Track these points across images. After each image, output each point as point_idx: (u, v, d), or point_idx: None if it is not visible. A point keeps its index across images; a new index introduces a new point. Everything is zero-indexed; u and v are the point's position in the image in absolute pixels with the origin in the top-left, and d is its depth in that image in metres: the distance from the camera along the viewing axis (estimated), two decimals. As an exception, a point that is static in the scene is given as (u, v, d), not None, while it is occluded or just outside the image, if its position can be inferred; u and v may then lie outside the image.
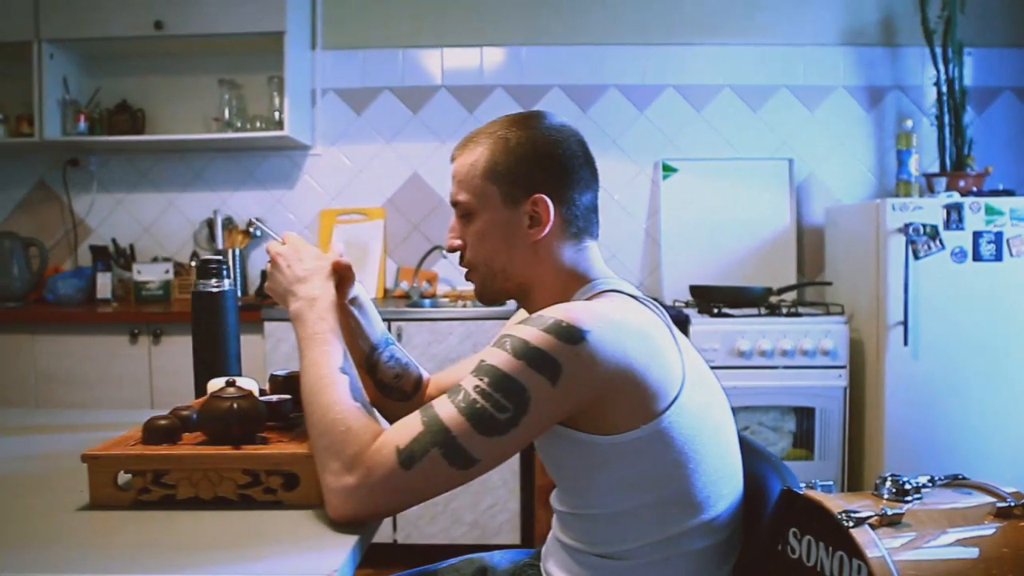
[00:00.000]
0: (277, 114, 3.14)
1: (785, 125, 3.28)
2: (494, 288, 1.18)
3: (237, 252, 3.22)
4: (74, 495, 1.11)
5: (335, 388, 1.02)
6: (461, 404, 0.97)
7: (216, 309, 1.56)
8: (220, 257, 1.59)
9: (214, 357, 1.56)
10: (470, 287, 3.24)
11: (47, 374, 2.83)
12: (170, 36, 2.98)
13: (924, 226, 2.65)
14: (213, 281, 1.57)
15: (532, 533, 2.75)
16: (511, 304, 2.84)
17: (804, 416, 2.74)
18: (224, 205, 3.32)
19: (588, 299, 1.11)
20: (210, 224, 3.27)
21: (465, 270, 1.21)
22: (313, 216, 3.33)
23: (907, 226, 2.64)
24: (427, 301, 3.07)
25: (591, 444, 1.04)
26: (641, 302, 1.11)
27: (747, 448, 1.22)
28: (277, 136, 3.06)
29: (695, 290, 2.97)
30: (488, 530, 2.74)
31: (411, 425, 0.98)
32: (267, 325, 2.73)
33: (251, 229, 3.30)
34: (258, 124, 3.17)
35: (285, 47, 2.98)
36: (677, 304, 3.08)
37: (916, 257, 2.65)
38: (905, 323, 2.64)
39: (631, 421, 1.02)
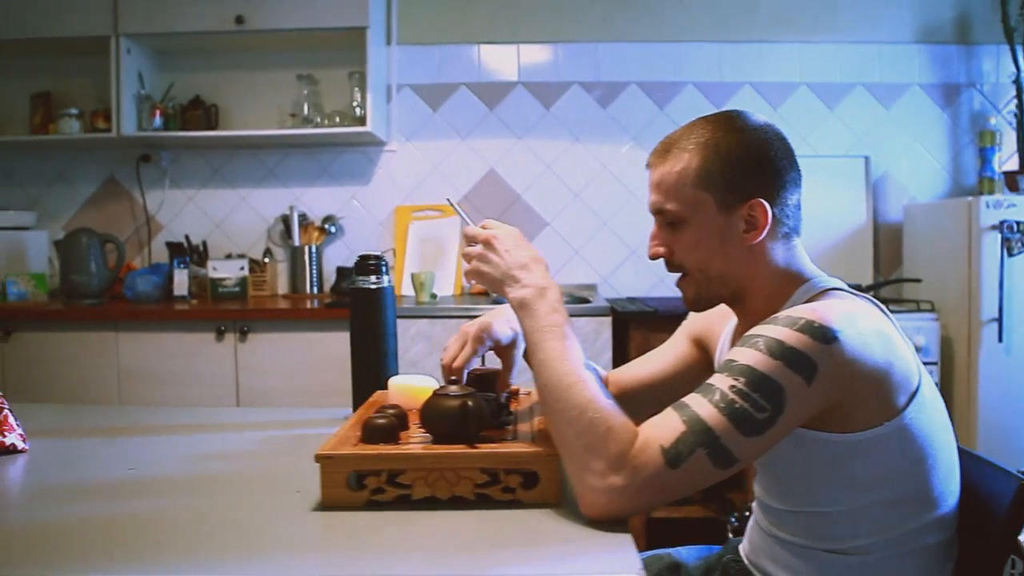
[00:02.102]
0: (358, 110, 3.12)
1: (861, 123, 3.27)
2: (710, 294, 1.18)
3: (313, 249, 3.21)
4: (292, 495, 1.09)
5: (587, 386, 1.01)
6: (720, 404, 0.97)
7: (376, 306, 1.55)
8: (379, 253, 1.57)
9: (374, 354, 1.55)
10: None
11: (131, 371, 2.81)
12: (251, 31, 2.96)
13: (1018, 223, 2.65)
14: (372, 278, 1.56)
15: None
16: (599, 301, 2.80)
17: (895, 414, 2.74)
18: (297, 201, 3.30)
19: (811, 298, 1.11)
20: (285, 220, 3.26)
21: (676, 276, 1.20)
22: (388, 213, 3.31)
23: (1002, 223, 2.64)
24: (507, 298, 3.06)
25: (829, 443, 1.04)
26: (860, 299, 1.11)
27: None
28: (357, 132, 3.04)
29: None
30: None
31: (671, 424, 0.98)
32: (358, 322, 2.72)
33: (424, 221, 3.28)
34: (336, 120, 3.15)
35: (367, 42, 2.96)
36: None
37: (1010, 254, 2.65)
38: (1000, 320, 2.64)
39: (874, 418, 1.03)
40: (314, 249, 3.21)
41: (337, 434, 1.15)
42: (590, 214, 3.29)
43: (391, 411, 1.18)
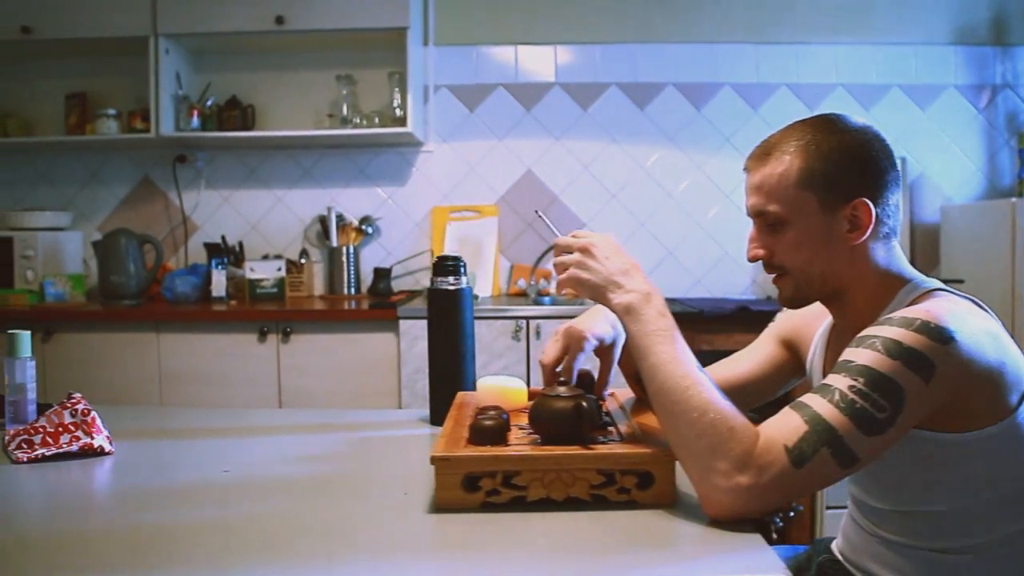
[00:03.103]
0: (398, 110, 3.12)
1: (897, 124, 3.27)
2: (809, 292, 1.18)
3: (351, 249, 3.20)
4: (401, 497, 1.09)
5: (705, 388, 1.02)
6: (840, 404, 0.97)
7: (454, 307, 1.55)
8: (457, 255, 1.56)
9: (452, 355, 1.54)
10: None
11: (172, 372, 2.80)
12: (291, 31, 2.95)
13: (1062, 225, 2.66)
14: (451, 279, 1.55)
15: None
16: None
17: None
18: (333, 202, 3.29)
19: (916, 299, 1.11)
20: (323, 221, 3.25)
21: (772, 275, 1.21)
22: (424, 213, 3.31)
23: (1046, 225, 2.65)
24: (547, 299, 3.06)
25: (941, 442, 1.05)
26: (965, 299, 1.12)
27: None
28: (395, 133, 3.03)
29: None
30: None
31: (792, 424, 0.98)
32: (402, 323, 2.72)
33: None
34: (375, 120, 3.14)
35: (408, 43, 2.96)
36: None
37: (1054, 256, 2.66)
38: (1045, 322, 2.64)
39: (987, 418, 1.04)
40: (351, 250, 3.20)
41: (443, 435, 1.15)
42: (627, 215, 3.29)
43: (493, 412, 1.18)
